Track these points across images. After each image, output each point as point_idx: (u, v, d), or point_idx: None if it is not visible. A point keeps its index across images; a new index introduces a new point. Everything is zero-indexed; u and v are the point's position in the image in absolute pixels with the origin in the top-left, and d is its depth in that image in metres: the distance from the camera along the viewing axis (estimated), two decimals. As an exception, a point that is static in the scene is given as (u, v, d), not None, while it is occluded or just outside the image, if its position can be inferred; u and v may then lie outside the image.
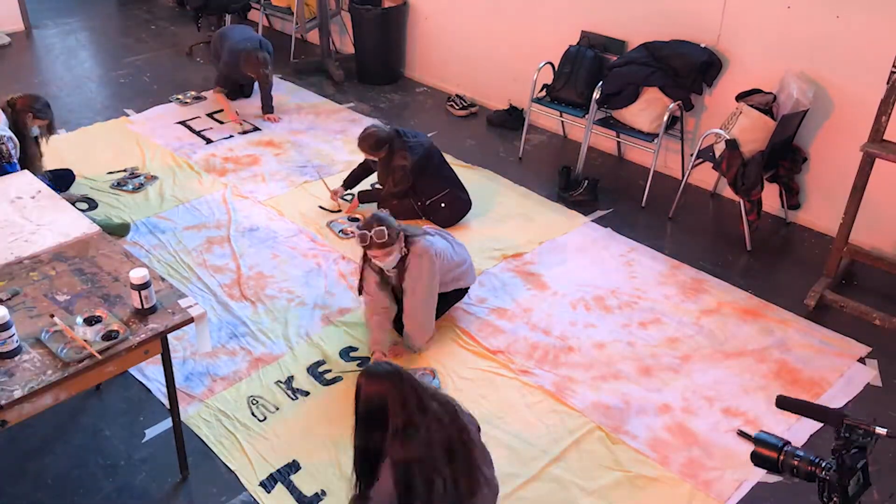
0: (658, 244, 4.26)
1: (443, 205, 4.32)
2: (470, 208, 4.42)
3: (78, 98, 5.87)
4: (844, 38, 3.94)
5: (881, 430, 1.77)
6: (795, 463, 2.19)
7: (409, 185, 4.28)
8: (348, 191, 4.56)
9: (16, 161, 3.85)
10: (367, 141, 4.19)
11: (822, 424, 2.94)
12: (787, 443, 1.95)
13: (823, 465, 1.87)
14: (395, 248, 3.27)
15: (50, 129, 4.25)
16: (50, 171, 4.29)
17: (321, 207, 4.52)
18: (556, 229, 4.37)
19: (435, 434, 2.16)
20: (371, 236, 3.21)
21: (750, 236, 4.23)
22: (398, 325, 3.49)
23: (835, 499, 1.83)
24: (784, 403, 1.99)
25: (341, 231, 4.29)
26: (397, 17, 6.07)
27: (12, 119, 4.01)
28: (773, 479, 2.81)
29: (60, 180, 4.38)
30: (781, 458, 1.96)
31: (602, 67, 4.81)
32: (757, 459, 1.95)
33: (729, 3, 4.32)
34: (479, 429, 2.40)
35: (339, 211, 4.48)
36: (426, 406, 2.18)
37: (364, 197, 4.47)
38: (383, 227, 3.21)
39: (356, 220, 4.36)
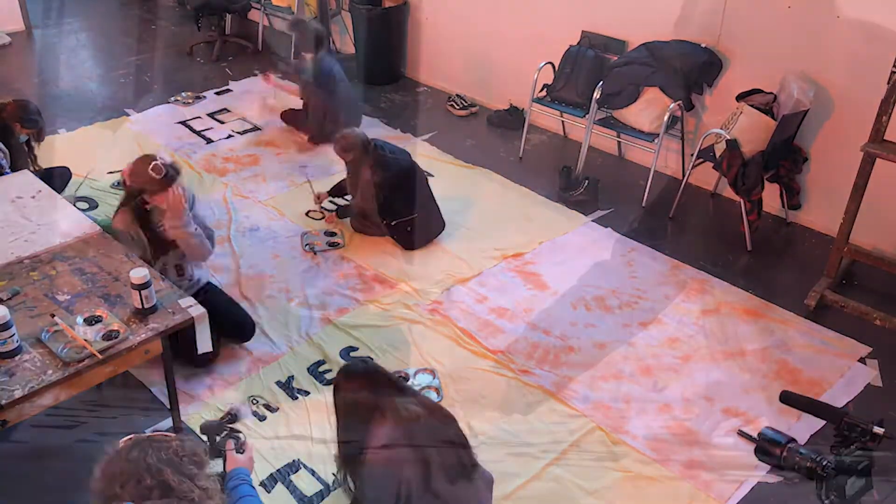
0: (658, 244, 4.26)
1: (409, 228, 4.15)
2: (441, 232, 4.26)
3: (78, 98, 5.86)
4: (844, 38, 3.94)
5: (878, 430, 1.77)
6: (798, 459, 2.20)
7: (379, 202, 4.11)
8: (332, 199, 4.46)
9: (8, 172, 3.76)
10: (339, 142, 4.15)
11: (822, 424, 2.94)
12: (792, 440, 1.95)
13: (824, 463, 1.87)
14: None
15: (39, 137, 4.14)
16: (44, 169, 4.21)
17: (308, 215, 4.45)
18: (556, 229, 4.37)
19: (412, 415, 2.23)
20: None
21: (750, 236, 4.23)
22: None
23: (833, 497, 1.83)
24: (787, 398, 2.00)
25: (307, 245, 4.16)
26: (397, 17, 6.06)
27: (1, 126, 3.93)
28: (774, 479, 2.80)
29: (58, 179, 4.35)
30: (785, 454, 1.97)
31: (602, 67, 4.81)
32: (761, 454, 1.97)
33: (729, 3, 4.32)
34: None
35: (323, 218, 4.43)
36: (403, 389, 2.32)
37: (343, 213, 4.38)
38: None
39: (333, 233, 4.27)
